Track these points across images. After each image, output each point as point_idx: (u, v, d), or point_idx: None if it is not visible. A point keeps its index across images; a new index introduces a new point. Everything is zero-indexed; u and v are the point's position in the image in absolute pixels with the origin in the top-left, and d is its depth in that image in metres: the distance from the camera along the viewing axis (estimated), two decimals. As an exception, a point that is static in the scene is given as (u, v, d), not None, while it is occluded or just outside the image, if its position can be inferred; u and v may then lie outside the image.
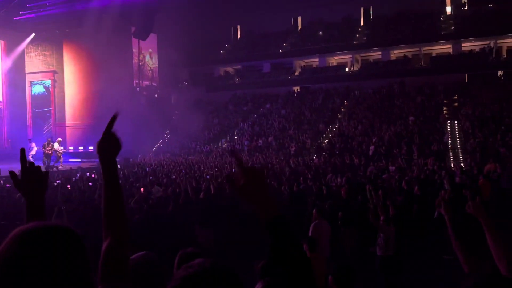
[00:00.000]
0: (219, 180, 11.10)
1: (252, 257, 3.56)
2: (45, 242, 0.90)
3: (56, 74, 27.61)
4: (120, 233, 1.33)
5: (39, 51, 27.98)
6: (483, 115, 21.07)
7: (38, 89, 28.19)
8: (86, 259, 0.97)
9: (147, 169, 15.67)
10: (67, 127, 27.33)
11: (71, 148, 25.91)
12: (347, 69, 31.94)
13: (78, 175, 15.45)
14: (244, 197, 1.27)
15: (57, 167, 19.81)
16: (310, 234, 6.18)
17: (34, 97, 28.45)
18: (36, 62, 28.15)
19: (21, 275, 0.84)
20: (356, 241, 7.89)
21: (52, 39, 27.29)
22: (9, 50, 27.82)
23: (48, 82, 28.01)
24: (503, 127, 19.03)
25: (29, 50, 28.15)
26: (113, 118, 1.47)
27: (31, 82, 28.19)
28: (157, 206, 8.63)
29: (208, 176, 12.30)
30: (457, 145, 20.13)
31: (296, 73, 32.88)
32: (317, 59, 33.28)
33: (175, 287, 0.94)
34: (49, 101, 27.96)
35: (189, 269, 0.97)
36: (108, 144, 1.46)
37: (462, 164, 17.12)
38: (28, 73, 28.02)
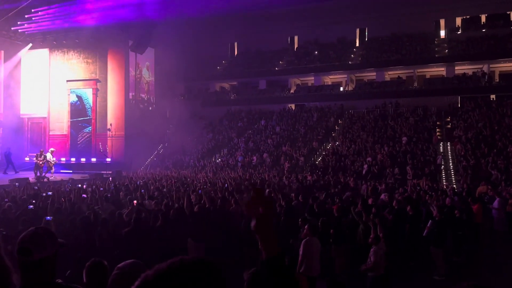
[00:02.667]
0: (212, 195, 11.05)
1: (243, 271, 3.53)
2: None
3: (99, 83, 27.25)
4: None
5: (81, 58, 27.61)
6: (475, 137, 21.28)
7: (71, 98, 27.73)
8: None
9: (137, 182, 15.55)
10: (109, 138, 26.51)
11: (63, 159, 25.71)
12: (341, 88, 32.28)
13: (68, 185, 15.29)
14: (260, 227, 1.27)
15: (47, 178, 19.63)
16: (300, 251, 6.12)
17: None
18: (77, 70, 27.70)
19: None
20: (347, 259, 7.84)
21: (96, 46, 26.90)
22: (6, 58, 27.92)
23: (88, 91, 27.42)
24: (495, 150, 19.21)
25: (71, 57, 27.73)
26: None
27: (70, 90, 27.68)
28: (149, 219, 8.54)
29: (200, 191, 12.22)
30: (450, 167, 20.26)
31: (292, 91, 33.15)
32: (312, 78, 33.64)
33: (152, 276, 0.87)
34: (83, 110, 27.44)
35: (169, 263, 0.91)
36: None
37: (454, 185, 17.20)
38: (68, 81, 27.63)
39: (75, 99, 27.64)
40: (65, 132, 27.75)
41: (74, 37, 26.63)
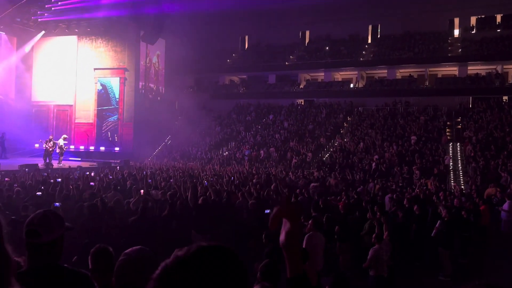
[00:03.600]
0: (218, 187, 11.07)
1: (248, 264, 3.53)
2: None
3: (127, 72, 27.19)
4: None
5: (109, 46, 27.48)
6: (485, 139, 21.03)
7: (98, 86, 27.68)
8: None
9: (144, 172, 15.64)
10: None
11: (72, 147, 25.90)
12: (352, 85, 32.04)
13: (77, 173, 15.43)
14: (289, 243, 1.21)
15: (52, 165, 19.72)
16: (304, 245, 6.12)
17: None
18: (104, 58, 27.60)
19: None
20: (351, 256, 7.82)
21: (126, 35, 26.74)
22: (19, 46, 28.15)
23: (114, 80, 27.35)
24: (505, 152, 18.98)
25: (99, 45, 27.59)
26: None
27: (97, 78, 27.62)
28: (155, 209, 8.59)
29: (206, 183, 12.26)
30: (459, 168, 20.07)
31: (301, 86, 33.00)
32: (322, 74, 33.42)
33: (170, 269, 0.84)
34: (108, 99, 27.44)
35: (185, 249, 0.87)
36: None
37: (462, 187, 17.05)
38: (96, 69, 27.48)
39: (100, 87, 27.57)
40: (91, 121, 27.70)
41: (98, 25, 26.42)
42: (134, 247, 1.91)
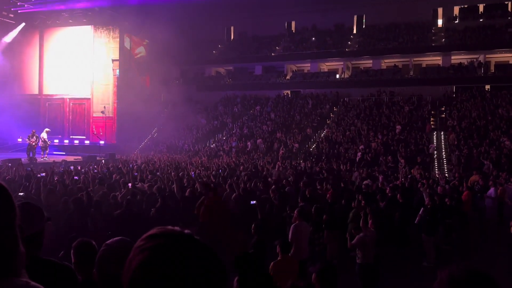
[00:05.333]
0: (205, 180, 11.07)
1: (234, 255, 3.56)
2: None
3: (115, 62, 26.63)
4: None
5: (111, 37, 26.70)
6: (468, 127, 21.40)
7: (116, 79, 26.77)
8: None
9: (130, 165, 15.52)
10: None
11: (56, 141, 25.49)
12: (338, 76, 32.18)
13: (61, 167, 15.23)
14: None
15: (35, 159, 19.40)
16: (289, 235, 6.20)
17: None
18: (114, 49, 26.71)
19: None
20: (338, 245, 7.93)
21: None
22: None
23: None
24: (487, 140, 19.36)
25: (117, 35, 26.61)
26: None
27: (116, 70, 26.77)
28: (143, 202, 8.56)
29: (193, 174, 12.25)
30: (442, 156, 20.42)
31: (287, 77, 33.01)
32: (308, 64, 33.48)
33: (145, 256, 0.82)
34: None
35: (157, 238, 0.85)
36: None
37: (446, 175, 17.37)
38: (114, 60, 26.60)
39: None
40: (111, 114, 26.66)
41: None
42: (115, 238, 1.91)
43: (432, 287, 1.16)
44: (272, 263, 4.72)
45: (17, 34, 27.23)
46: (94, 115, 26.81)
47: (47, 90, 27.97)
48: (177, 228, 0.88)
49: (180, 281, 0.78)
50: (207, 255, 0.85)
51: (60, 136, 23.50)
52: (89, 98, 26.99)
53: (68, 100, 27.58)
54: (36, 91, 28.02)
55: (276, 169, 15.40)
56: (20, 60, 27.55)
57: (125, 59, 26.99)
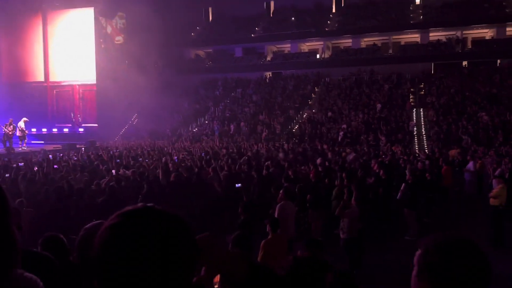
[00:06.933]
0: (189, 164, 11.01)
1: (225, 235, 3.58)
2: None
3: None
4: None
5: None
6: (447, 103, 21.77)
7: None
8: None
9: (110, 152, 15.28)
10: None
11: (33, 129, 24.84)
12: (318, 56, 32.12)
13: (40, 156, 14.91)
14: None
15: (13, 149, 18.88)
16: (276, 215, 6.23)
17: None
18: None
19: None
20: (323, 223, 8.05)
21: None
22: None
23: None
24: (465, 115, 19.76)
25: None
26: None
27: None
28: (126, 188, 8.47)
29: (176, 158, 12.16)
30: (422, 132, 20.77)
31: (268, 59, 32.78)
32: (289, 45, 33.28)
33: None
34: None
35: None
36: None
37: (426, 150, 17.71)
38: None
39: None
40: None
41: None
42: (94, 222, 1.88)
43: (415, 257, 1.18)
44: (263, 241, 4.76)
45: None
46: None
47: (53, 77, 26.60)
48: (140, 204, 0.91)
49: (140, 254, 0.79)
50: (171, 226, 0.87)
51: (70, 125, 22.54)
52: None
53: (78, 86, 26.39)
54: (42, 78, 26.57)
55: (264, 151, 15.42)
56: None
57: (104, 43, 26.18)
